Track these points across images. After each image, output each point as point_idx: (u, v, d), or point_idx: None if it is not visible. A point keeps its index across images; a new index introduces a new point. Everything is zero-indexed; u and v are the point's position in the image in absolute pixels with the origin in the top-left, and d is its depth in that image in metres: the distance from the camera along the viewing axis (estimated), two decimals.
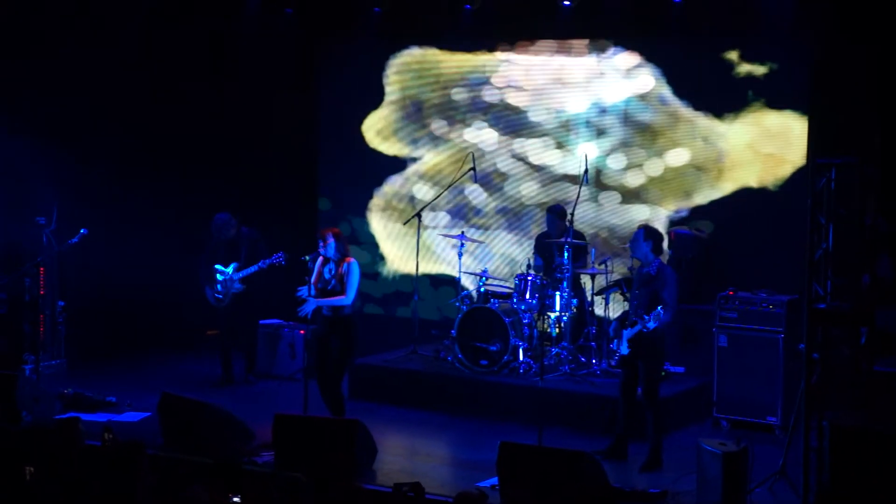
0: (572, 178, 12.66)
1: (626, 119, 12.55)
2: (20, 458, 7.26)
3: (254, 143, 13.93)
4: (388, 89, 13.82)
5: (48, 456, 7.36)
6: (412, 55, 13.69)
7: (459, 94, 13.42)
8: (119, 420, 10.27)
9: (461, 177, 12.47)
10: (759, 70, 11.76)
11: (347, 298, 9.70)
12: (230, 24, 13.29)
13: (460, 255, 11.94)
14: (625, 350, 9.31)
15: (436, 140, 13.62)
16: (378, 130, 13.97)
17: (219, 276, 11.57)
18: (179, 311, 11.61)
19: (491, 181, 13.31)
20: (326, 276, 9.78)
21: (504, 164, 13.30)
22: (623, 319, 9.51)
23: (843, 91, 10.99)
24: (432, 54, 13.60)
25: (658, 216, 12.38)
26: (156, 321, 12.74)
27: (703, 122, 12.14)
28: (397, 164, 13.83)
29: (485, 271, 11.84)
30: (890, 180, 10.48)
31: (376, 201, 14.02)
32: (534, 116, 13.10)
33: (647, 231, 9.39)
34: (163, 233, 11.42)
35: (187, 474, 7.91)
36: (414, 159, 13.74)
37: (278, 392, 11.61)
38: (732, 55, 11.88)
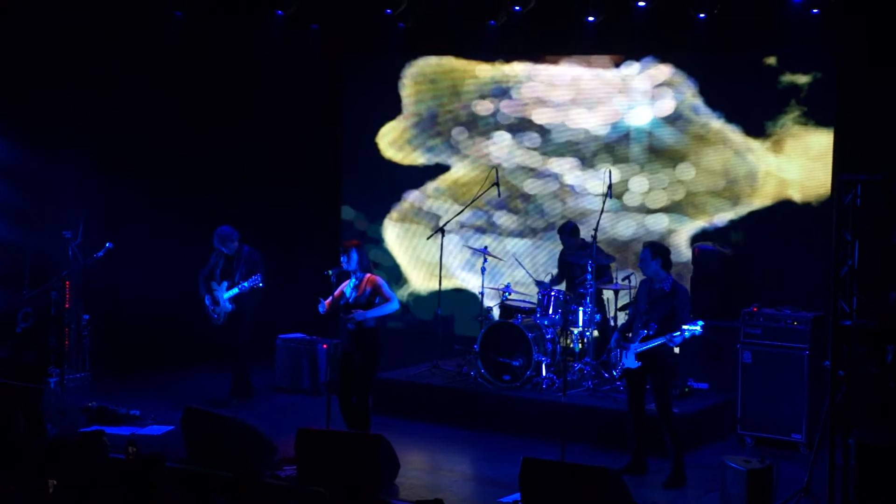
0: (595, 194, 12.66)
1: (652, 134, 12.55)
2: (44, 471, 7.30)
3: (279, 158, 14.00)
4: (409, 101, 13.88)
5: (72, 469, 7.39)
6: (434, 67, 13.75)
7: (482, 107, 13.46)
8: (143, 433, 10.30)
9: (485, 191, 12.47)
10: (788, 84, 11.73)
11: (394, 303, 9.74)
12: (256, 41, 13.35)
13: (483, 269, 11.93)
14: (633, 363, 9.28)
15: (458, 153, 13.66)
16: (399, 143, 14.03)
17: (217, 294, 11.43)
18: (204, 325, 11.62)
19: (511, 196, 13.32)
20: (347, 293, 9.76)
21: (526, 179, 13.31)
22: (625, 332, 9.47)
23: (869, 107, 10.95)
24: (454, 67, 13.65)
25: (683, 231, 12.37)
26: (180, 335, 12.77)
27: (730, 137, 12.13)
28: (417, 178, 13.91)
29: (507, 286, 11.83)
30: None
31: (395, 214, 14.07)
32: (557, 131, 13.13)
33: (653, 250, 9.36)
34: (188, 247, 11.46)
35: (210, 488, 7.92)
36: (435, 172, 13.77)
37: (301, 406, 11.62)
38: (762, 69, 11.88)
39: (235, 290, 11.31)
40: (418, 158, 13.92)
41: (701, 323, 8.97)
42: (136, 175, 12.67)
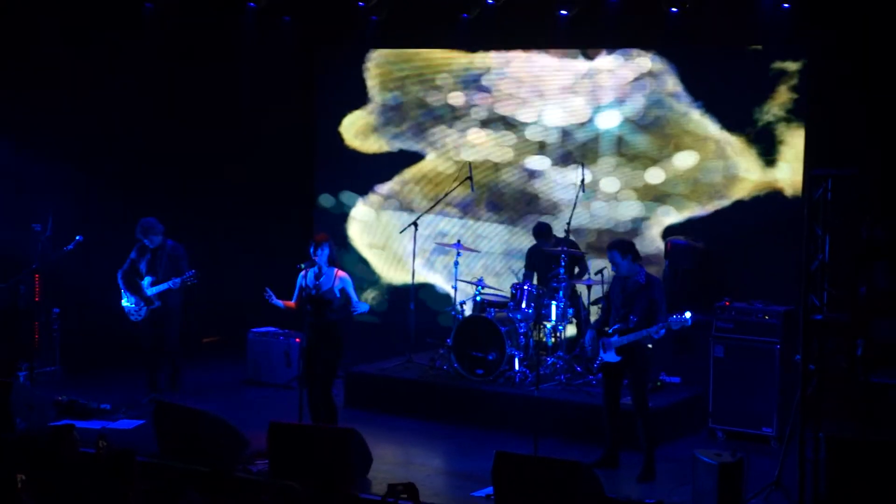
0: (567, 187, 12.70)
1: (625, 128, 12.60)
2: (13, 466, 7.23)
3: (251, 150, 13.95)
4: (379, 92, 13.88)
5: (42, 463, 7.33)
6: (405, 59, 13.75)
7: (454, 99, 13.48)
8: (114, 427, 10.23)
9: (457, 185, 12.47)
10: (761, 79, 11.80)
11: (362, 305, 9.76)
12: (229, 33, 13.29)
13: (456, 263, 11.92)
14: (613, 357, 9.29)
15: (429, 145, 13.67)
16: (368, 134, 14.05)
17: (144, 290, 11.15)
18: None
19: (486, 189, 13.33)
20: (311, 282, 9.72)
21: (497, 172, 13.33)
22: (601, 327, 9.48)
23: (840, 102, 11.01)
24: (426, 59, 13.66)
25: (656, 222, 12.41)
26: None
27: (706, 131, 12.19)
28: (388, 169, 13.95)
29: (480, 280, 11.82)
30: (887, 191, 10.50)
31: (367, 206, 14.08)
32: (529, 124, 13.15)
33: (621, 248, 9.35)
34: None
35: (181, 482, 7.88)
36: (406, 163, 13.77)
37: (273, 400, 11.57)
38: (736, 63, 11.95)
39: (165, 286, 11.02)
40: (388, 149, 13.96)
41: (689, 314, 8.97)
42: (107, 167, 12.60)
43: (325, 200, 14.38)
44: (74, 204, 12.28)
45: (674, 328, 9.03)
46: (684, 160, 12.32)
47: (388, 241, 13.99)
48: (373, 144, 14.06)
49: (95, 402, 10.82)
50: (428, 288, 13.64)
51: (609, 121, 12.65)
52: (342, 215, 14.26)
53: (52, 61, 12.06)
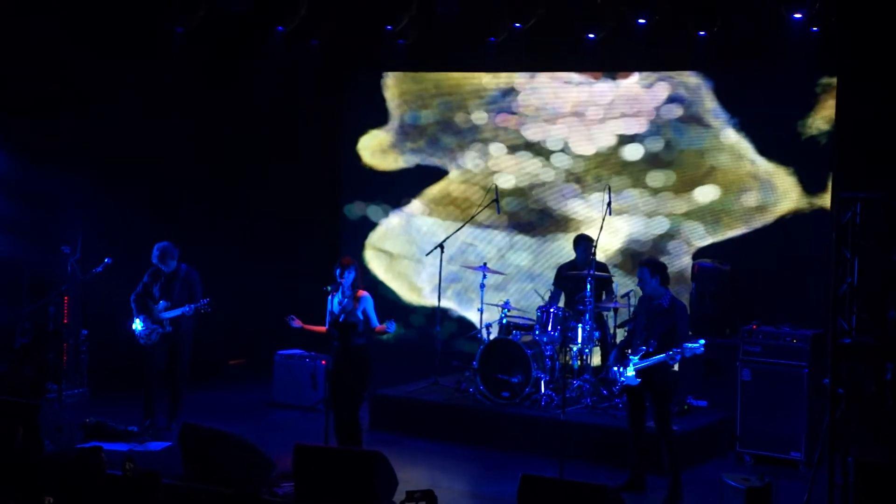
0: (594, 210, 12.70)
1: (650, 150, 12.60)
2: (42, 488, 7.27)
3: (280, 174, 14.02)
4: (407, 115, 13.97)
5: (69, 485, 7.36)
6: (433, 81, 13.82)
7: (481, 121, 13.56)
8: (140, 450, 10.27)
9: (484, 208, 12.48)
10: (790, 102, 11.79)
11: (390, 325, 9.69)
12: (256, 57, 13.39)
13: (482, 286, 11.92)
14: (633, 381, 9.26)
15: (456, 166, 13.73)
16: (392, 156, 14.17)
17: (158, 314, 10.99)
18: (202, 340, 11.60)
19: (512, 211, 13.35)
20: (337, 309, 9.76)
21: (526, 194, 13.34)
22: (624, 349, 9.45)
23: (869, 124, 10.96)
24: (454, 81, 13.71)
25: (686, 245, 12.39)
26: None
27: (733, 152, 12.18)
28: (413, 190, 14.05)
29: (507, 303, 11.81)
30: None
31: (392, 227, 14.13)
32: (556, 146, 13.17)
33: (651, 267, 9.35)
34: (186, 261, 11.43)
35: None
36: (431, 182, 13.86)
37: (299, 422, 11.59)
38: (766, 85, 11.95)
39: (179, 311, 10.87)
40: (414, 167, 14.03)
41: (702, 341, 8.96)
42: (136, 190, 12.67)
43: (351, 212, 14.47)
44: (103, 226, 12.38)
45: (686, 356, 8.98)
46: (711, 185, 12.29)
47: (412, 263, 14.02)
48: (397, 164, 14.15)
49: (123, 425, 10.84)
50: (454, 310, 13.66)
51: (636, 143, 12.65)
52: (366, 235, 14.32)
53: (81, 86, 12.16)
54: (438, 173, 13.87)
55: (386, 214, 14.23)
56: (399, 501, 6.69)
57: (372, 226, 14.33)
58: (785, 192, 11.92)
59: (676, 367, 9.36)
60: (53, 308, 11.86)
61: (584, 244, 11.67)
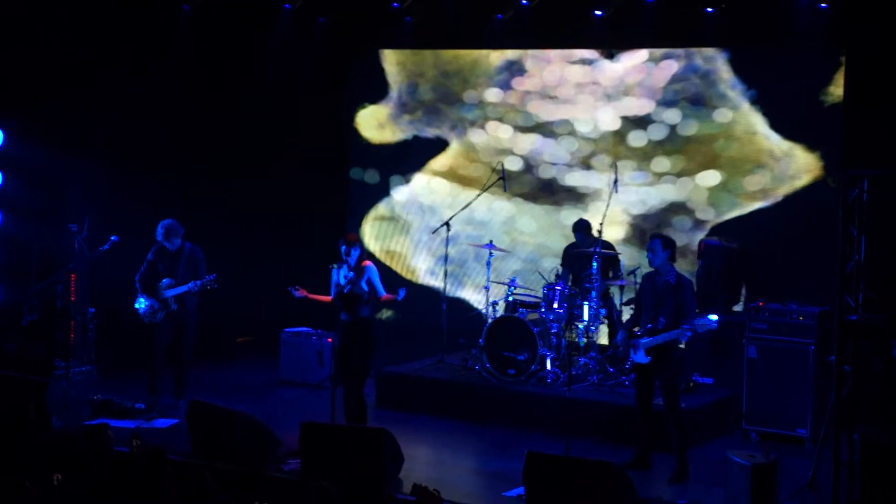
0: (601, 184, 12.68)
1: (653, 129, 12.57)
2: (50, 464, 7.31)
3: (284, 149, 14.00)
4: (413, 90, 13.96)
5: (77, 461, 7.40)
6: (439, 57, 13.80)
7: (489, 98, 13.52)
8: (148, 427, 10.31)
9: (490, 186, 12.46)
10: (799, 79, 11.76)
11: (401, 292, 9.68)
12: (263, 34, 13.36)
13: (489, 264, 11.92)
14: (643, 358, 9.25)
15: (462, 142, 13.71)
16: (396, 132, 14.16)
17: (163, 293, 10.96)
18: (209, 317, 11.62)
19: (519, 189, 13.34)
20: (343, 281, 9.78)
21: (531, 170, 13.33)
22: (632, 328, 9.44)
23: (879, 100, 10.91)
24: (460, 57, 13.68)
25: (692, 224, 12.37)
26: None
27: (746, 129, 12.13)
28: (418, 166, 14.04)
29: (513, 280, 11.82)
30: None
31: (397, 206, 14.13)
32: (563, 123, 13.14)
33: (664, 241, 9.34)
34: (194, 239, 11.45)
35: (214, 482, 7.93)
36: (436, 160, 13.88)
37: (306, 400, 11.63)
38: (775, 63, 11.90)
39: (185, 287, 10.85)
40: (413, 142, 14.04)
41: (716, 317, 8.93)
42: (143, 168, 12.67)
43: (357, 189, 14.45)
44: (110, 204, 12.38)
45: (699, 332, 8.98)
46: (721, 162, 12.27)
47: (417, 241, 14.03)
48: (395, 136, 14.15)
49: (130, 402, 10.88)
50: (460, 287, 13.67)
51: (644, 120, 12.62)
52: (371, 211, 14.33)
53: (86, 64, 12.15)
54: (439, 145, 13.84)
55: (388, 193, 14.22)
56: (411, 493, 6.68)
57: (375, 202, 14.33)
58: (797, 169, 11.88)
59: (683, 345, 9.35)
60: (61, 286, 11.88)
61: (583, 229, 11.68)
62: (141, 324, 11.07)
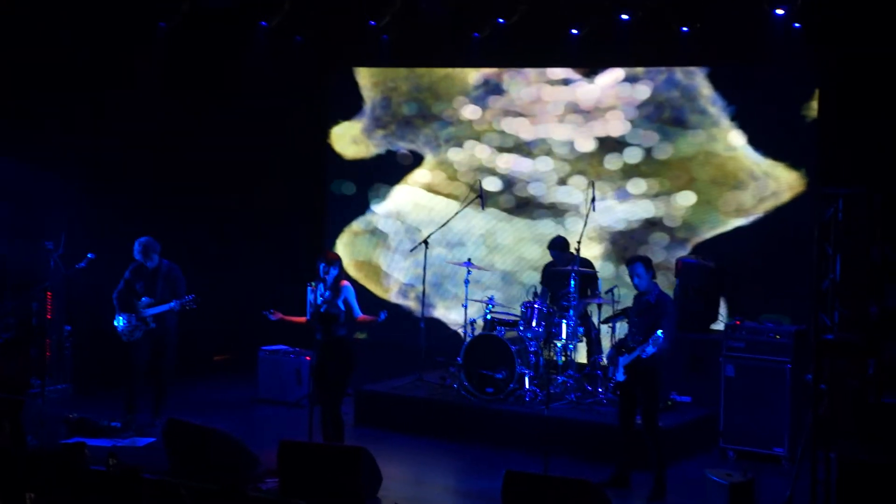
0: (577, 206, 12.73)
1: (629, 147, 12.63)
2: (24, 483, 7.25)
3: (264, 170, 13.99)
4: (392, 107, 14.01)
5: (52, 480, 7.35)
6: (417, 75, 13.82)
7: (467, 115, 13.58)
8: (124, 445, 10.24)
9: (468, 204, 12.48)
10: (773, 97, 11.84)
11: (357, 312, 9.73)
12: (241, 52, 13.36)
13: (466, 282, 11.93)
14: (621, 377, 9.28)
15: (439, 160, 13.74)
16: (366, 148, 14.22)
17: (139, 309, 10.88)
18: (186, 335, 11.57)
19: (497, 206, 13.37)
20: (319, 300, 9.76)
21: (511, 189, 13.36)
22: (620, 346, 9.48)
23: (852, 120, 11.00)
24: (437, 75, 13.71)
25: (669, 242, 12.42)
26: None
27: (715, 149, 12.21)
28: (395, 182, 14.08)
29: (491, 298, 11.82)
30: None
31: (375, 223, 14.14)
32: (539, 141, 13.20)
33: (645, 262, 9.38)
34: (169, 256, 11.41)
35: (191, 500, 7.89)
36: (412, 177, 13.90)
37: (284, 418, 11.58)
38: (748, 81, 12.03)
39: (166, 307, 10.80)
40: (395, 164, 14.06)
41: (660, 332, 8.93)
42: (119, 185, 12.64)
43: (337, 190, 14.49)
44: (86, 222, 12.33)
45: (654, 347, 8.96)
46: (697, 181, 12.34)
47: (393, 258, 14.04)
48: (369, 151, 14.19)
49: (106, 420, 10.82)
50: (438, 305, 13.66)
51: (618, 138, 12.69)
52: (349, 227, 14.33)
53: (63, 79, 12.11)
54: (415, 162, 13.88)
55: (365, 210, 14.27)
56: None
57: (352, 218, 14.34)
58: (777, 187, 11.94)
59: (645, 356, 9.33)
60: (37, 304, 11.82)
61: (559, 246, 11.71)
62: (118, 342, 11.00)
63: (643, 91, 12.59)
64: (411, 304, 13.82)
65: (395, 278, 14.12)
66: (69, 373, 12.37)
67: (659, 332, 8.92)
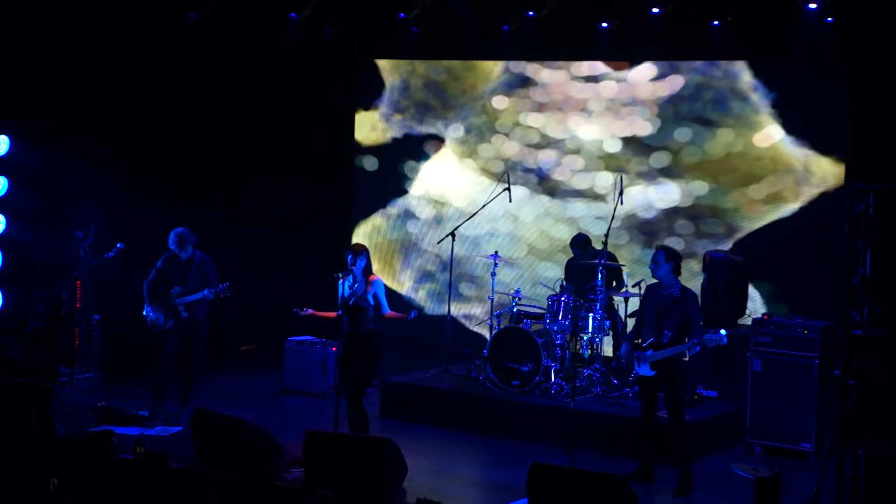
0: (605, 198, 12.71)
1: (655, 142, 12.60)
2: (51, 470, 7.31)
3: (291, 158, 14.04)
4: (422, 100, 14.00)
5: (81, 468, 7.40)
6: (446, 67, 13.83)
7: (497, 105, 13.53)
8: (152, 434, 10.31)
9: (496, 196, 12.47)
10: (806, 93, 11.79)
11: (385, 308, 9.75)
12: (270, 43, 13.40)
13: (493, 274, 11.92)
14: (648, 372, 9.24)
15: (473, 151, 13.74)
16: (396, 138, 14.30)
17: (170, 299, 10.90)
18: (214, 325, 11.62)
19: (525, 199, 13.35)
20: (347, 292, 9.78)
21: (540, 181, 13.34)
22: (634, 340, 9.42)
23: (882, 113, 10.92)
24: (467, 67, 13.71)
25: (699, 239, 12.39)
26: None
27: (744, 143, 12.16)
28: (425, 180, 14.07)
29: (517, 291, 11.81)
30: None
31: (404, 216, 14.15)
32: (570, 134, 13.17)
33: (667, 252, 9.30)
34: (200, 247, 11.46)
35: (218, 489, 7.93)
36: (440, 171, 13.88)
37: (310, 409, 11.62)
38: (780, 75, 11.97)
39: (199, 295, 10.83)
40: (423, 156, 14.07)
41: (724, 332, 8.90)
42: (149, 175, 12.70)
43: (361, 178, 14.52)
44: (116, 211, 12.40)
45: (709, 346, 8.96)
46: (727, 174, 12.28)
47: (420, 249, 14.05)
48: (393, 137, 14.27)
49: (134, 409, 10.89)
50: (464, 298, 13.66)
51: (649, 131, 12.65)
52: (375, 220, 14.34)
53: (92, 70, 12.17)
54: (449, 160, 13.89)
55: (385, 205, 14.35)
56: None
57: (376, 209, 14.41)
58: (819, 179, 11.87)
59: (687, 358, 9.34)
60: (66, 293, 11.89)
61: (580, 244, 11.69)
62: (147, 331, 11.06)
63: (674, 84, 12.54)
64: (439, 295, 13.81)
65: (422, 268, 14.12)
66: (97, 362, 12.45)
67: (723, 331, 8.86)
